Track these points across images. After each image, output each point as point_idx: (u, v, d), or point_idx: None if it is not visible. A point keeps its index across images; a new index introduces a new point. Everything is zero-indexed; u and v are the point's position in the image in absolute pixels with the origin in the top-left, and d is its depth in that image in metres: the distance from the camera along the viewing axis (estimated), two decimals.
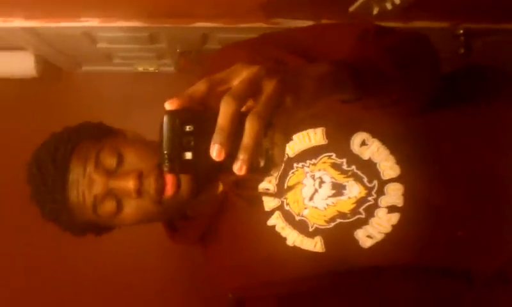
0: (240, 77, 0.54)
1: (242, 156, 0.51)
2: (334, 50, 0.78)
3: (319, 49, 0.83)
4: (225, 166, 0.52)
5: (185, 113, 0.53)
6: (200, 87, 0.54)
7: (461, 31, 1.45)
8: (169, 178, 0.88)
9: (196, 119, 0.53)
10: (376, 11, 1.24)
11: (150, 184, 0.87)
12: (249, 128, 0.51)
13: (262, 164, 0.54)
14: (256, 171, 0.54)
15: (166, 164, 0.53)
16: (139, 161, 0.89)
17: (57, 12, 1.36)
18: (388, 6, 1.23)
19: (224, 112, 0.51)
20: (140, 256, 1.86)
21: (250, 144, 0.51)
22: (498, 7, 1.34)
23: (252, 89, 0.53)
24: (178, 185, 0.88)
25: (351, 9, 1.26)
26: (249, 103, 0.54)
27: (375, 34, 0.82)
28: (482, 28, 1.44)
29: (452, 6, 1.34)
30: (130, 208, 0.89)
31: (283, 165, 0.88)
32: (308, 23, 1.36)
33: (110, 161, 0.89)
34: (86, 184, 0.88)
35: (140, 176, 0.87)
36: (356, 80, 0.65)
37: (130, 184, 0.86)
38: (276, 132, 0.53)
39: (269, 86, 0.53)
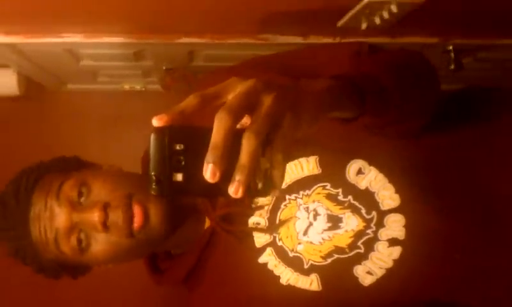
0: (235, 91, 0.50)
1: (238, 177, 0.46)
2: (327, 71, 0.71)
3: (311, 71, 0.77)
4: (219, 189, 0.47)
5: (175, 130, 0.48)
6: (191, 102, 0.49)
7: (451, 47, 1.43)
8: (136, 208, 0.80)
9: (187, 137, 0.48)
10: (364, 25, 1.20)
11: (118, 216, 0.80)
12: (246, 146, 0.46)
13: (260, 185, 0.49)
14: (254, 194, 0.49)
15: (154, 187, 0.48)
16: (106, 192, 0.83)
17: (38, 28, 1.29)
18: (377, 20, 1.18)
19: (219, 128, 0.46)
20: (121, 297, 1.73)
21: (247, 163, 0.46)
22: (488, 23, 1.32)
23: (248, 104, 0.48)
24: (146, 216, 0.80)
25: (339, 24, 1.22)
26: (246, 119, 0.49)
27: (369, 51, 0.77)
28: (472, 44, 1.42)
29: (441, 21, 1.30)
30: (99, 243, 0.82)
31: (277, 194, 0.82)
32: (296, 39, 1.31)
33: (73, 193, 0.82)
34: (48, 218, 0.82)
35: (105, 208, 0.80)
36: (358, 95, 0.61)
37: (94, 216, 0.80)
38: (275, 151, 0.49)
39: (267, 101, 0.49)
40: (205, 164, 0.46)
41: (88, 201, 0.82)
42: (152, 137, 0.48)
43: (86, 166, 0.92)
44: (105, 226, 0.80)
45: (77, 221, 0.81)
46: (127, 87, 1.82)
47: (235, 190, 0.46)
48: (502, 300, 0.81)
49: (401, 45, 1.35)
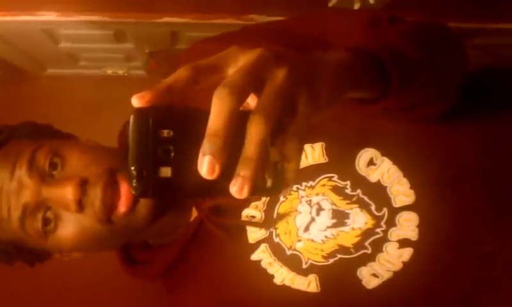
0: (237, 63, 0.38)
1: (243, 172, 0.35)
2: (339, 43, 0.59)
3: (321, 42, 0.65)
4: (219, 187, 0.36)
5: (161, 112, 0.36)
6: (181, 75, 0.37)
7: None
8: (125, 189, 0.65)
9: (177, 121, 0.37)
10: (357, 5, 1.14)
11: (96, 194, 0.65)
12: (254, 132, 0.36)
13: (269, 182, 0.38)
14: (262, 193, 0.38)
15: (134, 184, 0.36)
16: (84, 166, 0.67)
17: (13, 5, 1.22)
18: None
19: (218, 110, 0.35)
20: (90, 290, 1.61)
21: (255, 154, 0.35)
22: (484, 6, 1.26)
23: (255, 80, 0.37)
24: (134, 201, 0.66)
25: (331, 3, 1.15)
26: (251, 100, 0.38)
27: (389, 20, 0.64)
28: (467, 28, 1.36)
29: (438, 3, 1.25)
30: (68, 226, 0.67)
31: (289, 193, 0.68)
32: None
33: (45, 163, 0.68)
34: (14, 190, 0.66)
35: (83, 184, 0.65)
36: (382, 70, 0.50)
37: (68, 192, 0.65)
38: (288, 140, 0.38)
39: (277, 76, 0.38)
40: (200, 156, 0.35)
41: (62, 175, 0.67)
42: (132, 121, 0.36)
43: (60, 136, 0.76)
44: (79, 204, 0.65)
45: (47, 197, 0.66)
46: (109, 71, 1.73)
47: (239, 188, 0.35)
48: None
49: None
